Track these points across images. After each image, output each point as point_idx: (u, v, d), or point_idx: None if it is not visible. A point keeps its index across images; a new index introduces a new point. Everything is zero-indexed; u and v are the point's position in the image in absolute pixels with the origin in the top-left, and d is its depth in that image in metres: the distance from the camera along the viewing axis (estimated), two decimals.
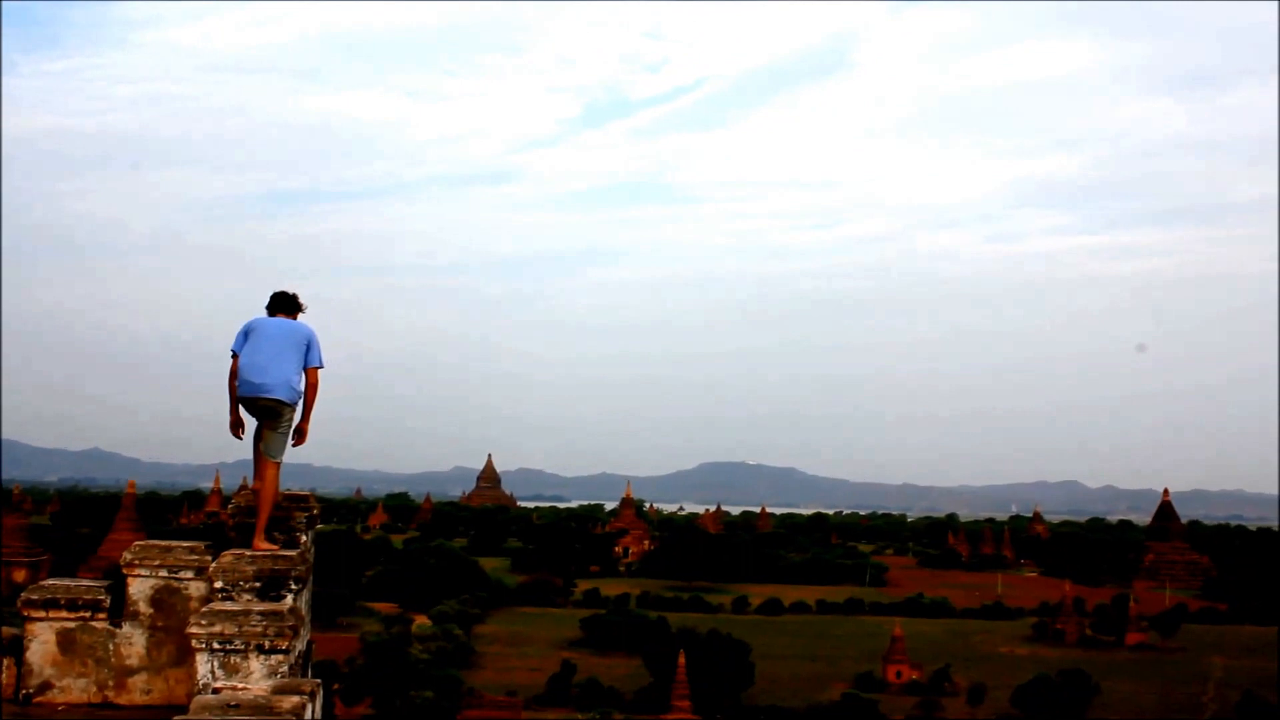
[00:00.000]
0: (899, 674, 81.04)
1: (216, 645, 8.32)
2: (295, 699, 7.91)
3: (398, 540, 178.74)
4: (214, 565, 9.00)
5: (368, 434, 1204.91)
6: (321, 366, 10.74)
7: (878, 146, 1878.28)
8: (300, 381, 10.60)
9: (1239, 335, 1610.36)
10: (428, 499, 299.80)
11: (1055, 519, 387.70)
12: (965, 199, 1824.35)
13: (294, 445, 10.80)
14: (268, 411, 10.44)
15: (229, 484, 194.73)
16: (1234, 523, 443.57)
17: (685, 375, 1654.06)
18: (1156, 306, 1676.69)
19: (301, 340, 10.67)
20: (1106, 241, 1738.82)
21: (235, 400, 10.57)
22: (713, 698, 65.79)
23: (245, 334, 10.72)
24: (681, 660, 57.66)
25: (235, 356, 10.66)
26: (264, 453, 10.45)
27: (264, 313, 10.94)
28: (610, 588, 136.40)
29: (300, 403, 10.64)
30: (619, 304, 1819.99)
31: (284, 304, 11.03)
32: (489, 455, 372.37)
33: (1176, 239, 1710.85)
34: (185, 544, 9.54)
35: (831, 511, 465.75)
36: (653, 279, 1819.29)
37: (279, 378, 10.42)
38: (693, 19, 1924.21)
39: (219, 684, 8.26)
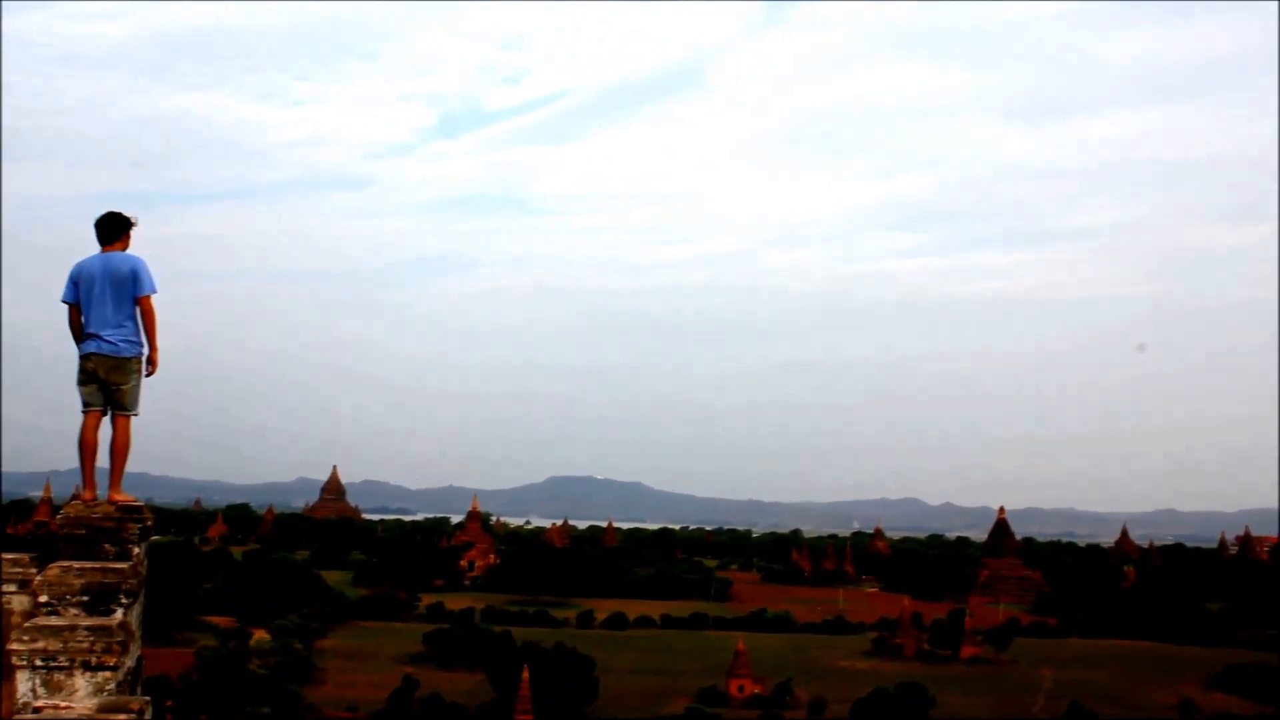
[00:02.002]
0: (741, 688, 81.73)
1: (39, 662, 7.97)
2: (122, 717, 7.62)
3: (237, 552, 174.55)
4: (39, 578, 8.63)
5: (208, 443, 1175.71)
6: (154, 292, 10.44)
7: (732, 164, 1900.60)
8: (135, 328, 10.34)
9: (1071, 357, 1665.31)
10: (270, 510, 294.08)
11: (896, 535, 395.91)
12: (817, 218, 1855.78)
13: (148, 375, 10.53)
14: (112, 369, 10.17)
15: (60, 493, 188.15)
16: (1065, 539, 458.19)
17: (535, 388, 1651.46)
18: (999, 327, 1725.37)
19: (126, 276, 10.33)
20: (952, 263, 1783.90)
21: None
22: (556, 712, 65.61)
23: (73, 282, 10.41)
24: (525, 675, 57.34)
25: (70, 306, 10.34)
26: (118, 406, 10.21)
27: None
28: (455, 602, 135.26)
29: (143, 346, 10.39)
30: (470, 315, 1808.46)
31: (110, 231, 10.65)
32: (334, 466, 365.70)
33: (1018, 262, 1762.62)
34: (9, 555, 9.14)
35: (677, 526, 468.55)
36: (504, 291, 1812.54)
37: (112, 330, 10.17)
38: (552, 32, 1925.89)
39: (40, 703, 7.92)
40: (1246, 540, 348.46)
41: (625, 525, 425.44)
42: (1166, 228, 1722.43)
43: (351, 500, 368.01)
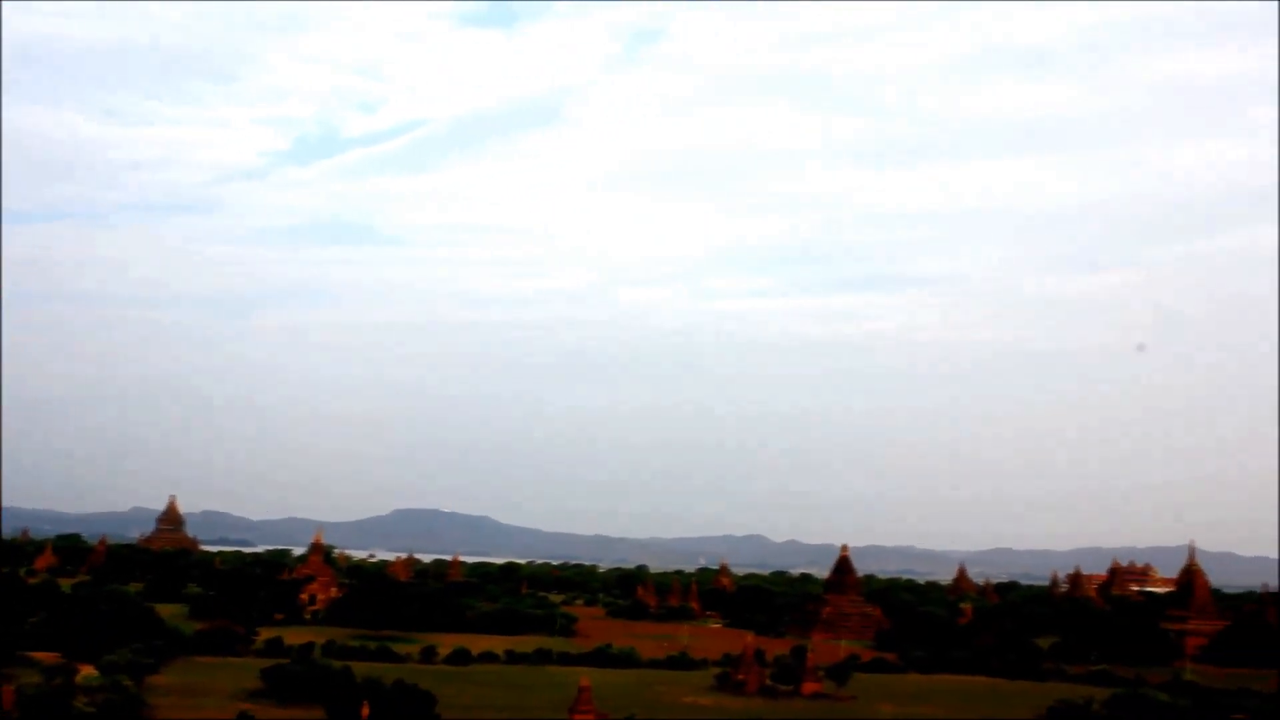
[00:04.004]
0: None
1: None
2: None
3: (66, 585, 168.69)
4: None
5: (38, 471, 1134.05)
6: None
7: (588, 200, 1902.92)
8: None
9: (918, 399, 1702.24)
10: (102, 541, 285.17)
11: (741, 572, 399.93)
12: (671, 257, 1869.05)
13: None
14: None
15: None
16: (905, 576, 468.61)
17: (381, 420, 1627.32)
18: (849, 369, 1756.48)
19: None
20: (804, 305, 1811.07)
21: None
22: None
23: None
24: (365, 711, 56.33)
25: None
26: None
27: None
28: (295, 636, 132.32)
29: None
30: (317, 345, 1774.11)
31: None
32: (171, 496, 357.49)
33: (869, 304, 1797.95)
34: None
35: (524, 561, 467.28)
36: (354, 321, 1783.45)
37: None
38: (410, 61, 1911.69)
39: None
40: (1076, 579, 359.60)
41: (471, 559, 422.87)
42: (1013, 276, 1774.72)
43: (190, 531, 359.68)
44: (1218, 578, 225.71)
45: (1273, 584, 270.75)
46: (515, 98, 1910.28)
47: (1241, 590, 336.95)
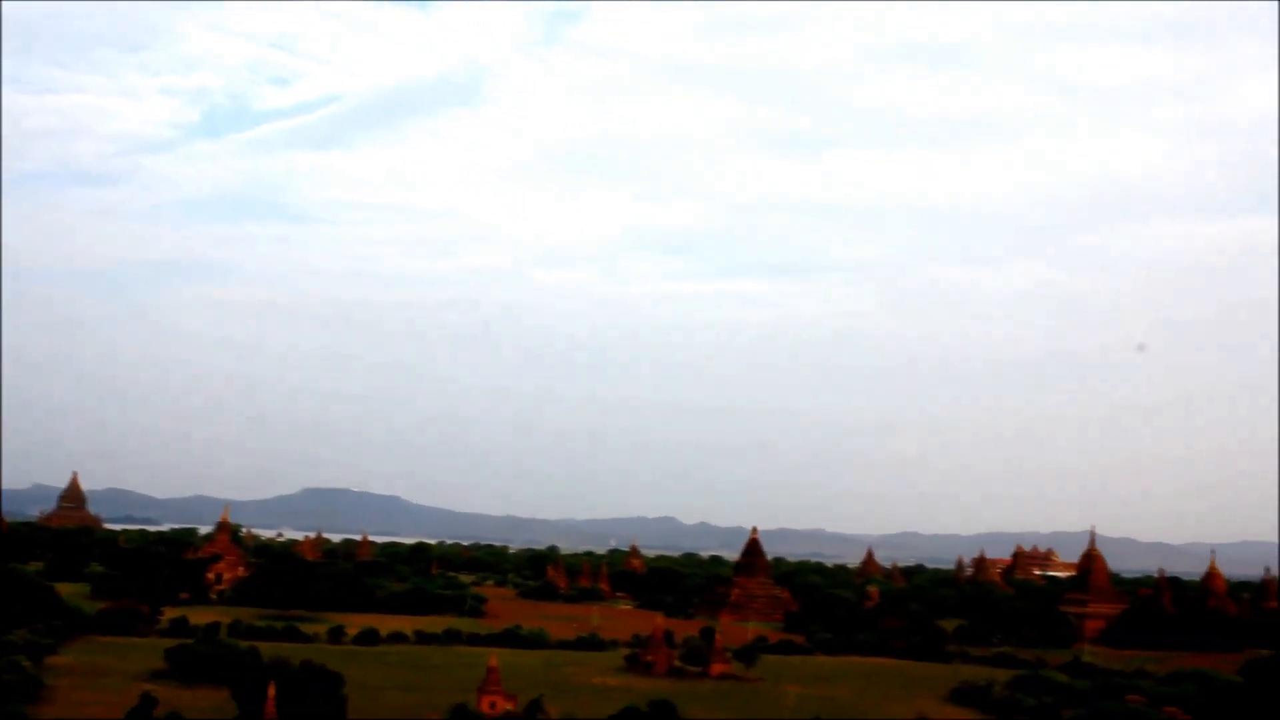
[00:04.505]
0: (493, 705, 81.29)
1: None
2: None
3: None
4: None
5: None
6: None
7: (504, 181, 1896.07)
8: None
9: (824, 384, 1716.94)
10: (0, 519, 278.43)
11: (651, 554, 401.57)
12: (585, 239, 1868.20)
13: None
14: None
15: None
16: (814, 560, 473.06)
17: (291, 399, 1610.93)
18: (759, 354, 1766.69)
19: None
20: (716, 289, 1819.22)
21: None
22: None
23: None
24: (271, 692, 55.81)
25: None
26: None
27: None
28: (200, 616, 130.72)
29: None
30: (225, 321, 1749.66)
31: None
32: (74, 473, 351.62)
33: (782, 291, 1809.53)
34: None
35: (434, 541, 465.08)
36: (264, 298, 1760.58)
37: None
38: (326, 36, 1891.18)
39: None
40: (981, 563, 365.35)
41: (381, 539, 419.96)
42: (920, 265, 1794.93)
43: (92, 509, 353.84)
44: (1116, 562, 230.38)
45: (1168, 569, 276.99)
46: (431, 76, 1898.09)
47: (1139, 575, 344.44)
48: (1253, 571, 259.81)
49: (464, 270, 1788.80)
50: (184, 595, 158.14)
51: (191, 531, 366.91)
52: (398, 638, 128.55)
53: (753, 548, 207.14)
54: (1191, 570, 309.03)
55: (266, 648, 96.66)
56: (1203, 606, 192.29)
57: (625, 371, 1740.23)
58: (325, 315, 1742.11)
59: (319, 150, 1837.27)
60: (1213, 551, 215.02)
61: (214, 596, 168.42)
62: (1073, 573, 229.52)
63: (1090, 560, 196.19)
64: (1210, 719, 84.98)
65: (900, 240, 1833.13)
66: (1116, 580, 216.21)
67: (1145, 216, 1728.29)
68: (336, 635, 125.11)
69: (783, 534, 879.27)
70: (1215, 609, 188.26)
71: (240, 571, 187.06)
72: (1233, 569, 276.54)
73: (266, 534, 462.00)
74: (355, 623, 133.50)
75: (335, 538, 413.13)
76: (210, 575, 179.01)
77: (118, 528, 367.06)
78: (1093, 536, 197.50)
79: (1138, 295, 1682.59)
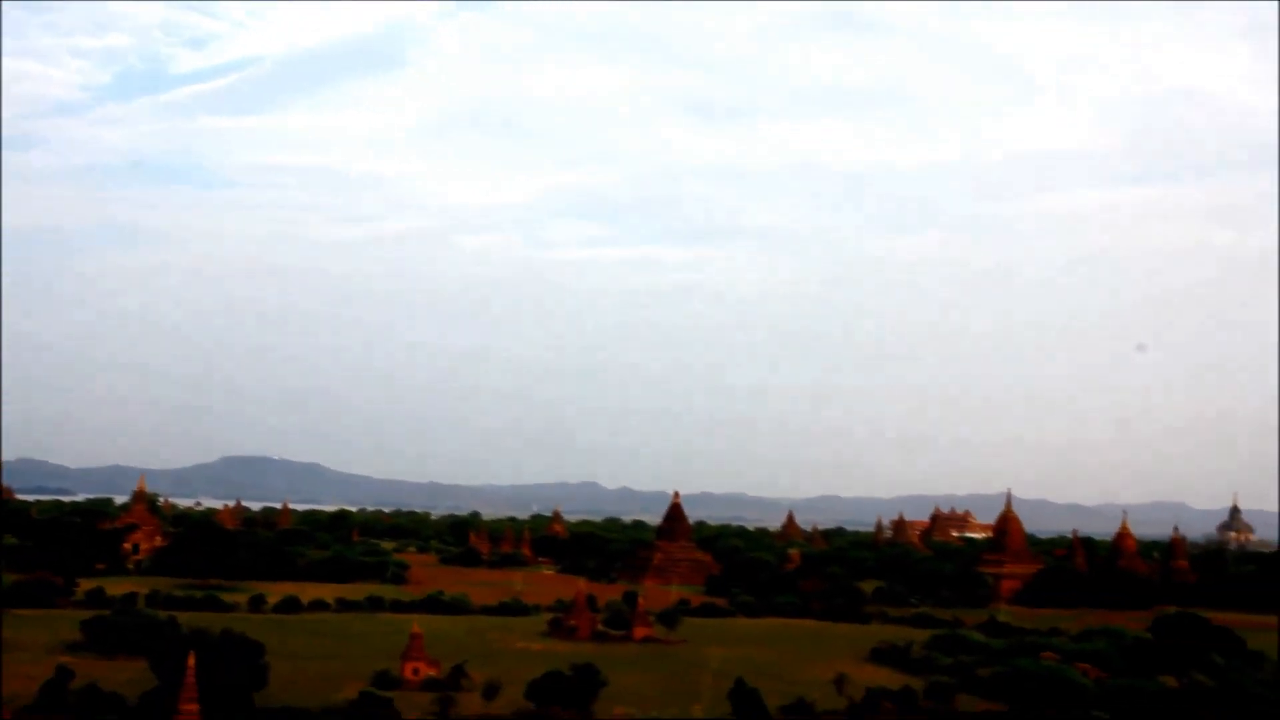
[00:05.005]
0: (416, 671, 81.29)
1: None
2: None
3: None
4: None
5: None
6: None
7: (423, 146, 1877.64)
8: None
9: (745, 350, 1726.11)
10: None
11: (574, 519, 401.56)
12: (506, 204, 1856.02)
13: None
14: None
15: None
16: (735, 523, 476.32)
17: (207, 365, 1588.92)
18: (679, 319, 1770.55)
19: None
20: (636, 254, 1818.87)
21: None
22: (223, 700, 63.62)
23: None
24: (191, 662, 55.30)
25: None
26: None
27: None
28: (117, 587, 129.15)
29: None
30: (141, 287, 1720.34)
31: None
32: None
33: (700, 257, 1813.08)
34: None
35: (355, 509, 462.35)
36: (180, 264, 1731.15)
37: None
38: None
39: None
40: (899, 525, 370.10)
41: (301, 507, 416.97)
42: (838, 232, 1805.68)
43: (4, 480, 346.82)
44: (1032, 524, 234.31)
45: (1082, 529, 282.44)
46: (350, 39, 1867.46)
47: (1054, 535, 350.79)
48: (1163, 532, 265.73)
49: (385, 235, 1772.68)
50: (100, 566, 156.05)
51: (107, 502, 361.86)
52: (319, 606, 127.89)
53: (674, 512, 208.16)
54: (1104, 531, 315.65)
55: (186, 617, 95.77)
56: (1114, 566, 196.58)
57: (547, 337, 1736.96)
58: (243, 282, 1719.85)
59: (236, 114, 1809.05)
60: (1124, 513, 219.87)
61: (131, 567, 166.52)
62: (989, 534, 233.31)
63: (1006, 522, 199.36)
64: (1121, 674, 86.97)
65: (819, 208, 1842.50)
66: (1032, 541, 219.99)
67: (1060, 186, 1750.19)
68: (257, 604, 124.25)
69: (704, 498, 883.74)
70: (1126, 568, 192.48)
71: (158, 541, 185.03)
72: (1143, 529, 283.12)
73: (184, 503, 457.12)
74: (276, 591, 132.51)
75: (255, 506, 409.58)
76: (127, 545, 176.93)
77: (31, 498, 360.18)
78: (1009, 499, 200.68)
79: (1051, 264, 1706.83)
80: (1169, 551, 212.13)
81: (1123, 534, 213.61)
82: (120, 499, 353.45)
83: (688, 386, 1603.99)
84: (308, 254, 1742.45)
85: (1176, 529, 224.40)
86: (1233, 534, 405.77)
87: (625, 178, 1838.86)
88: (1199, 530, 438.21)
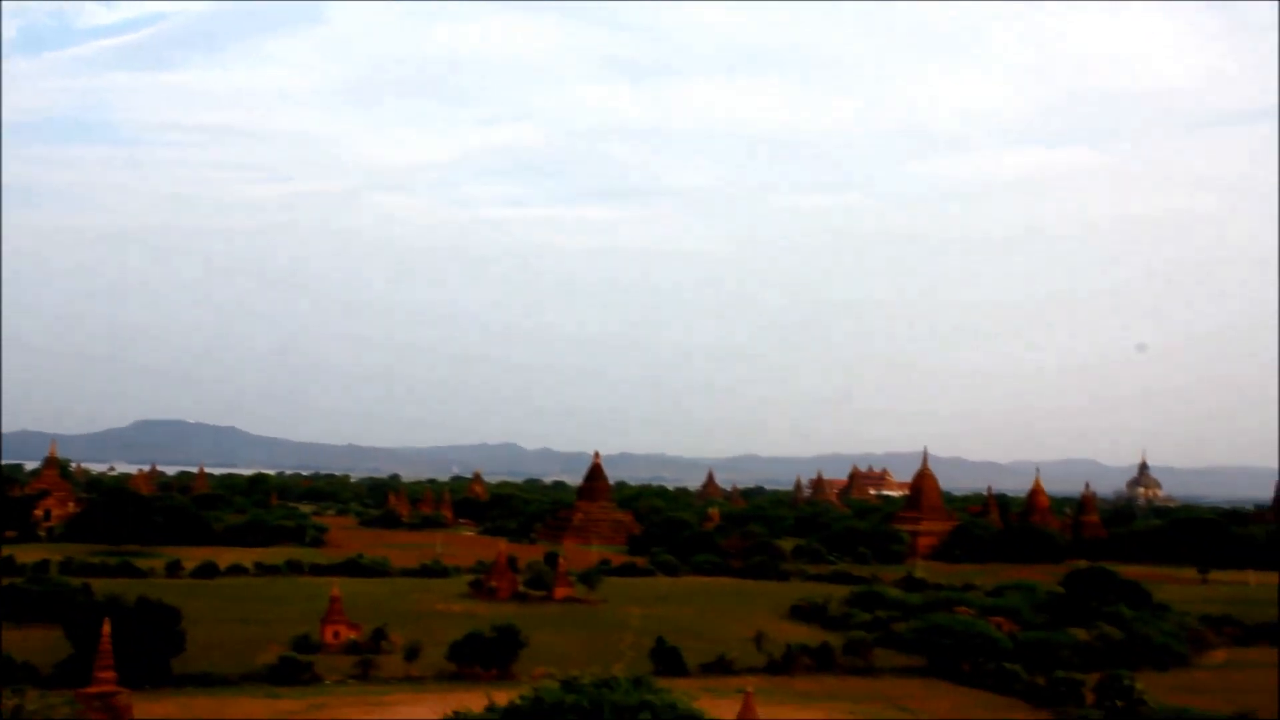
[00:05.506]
0: (336, 634, 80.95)
1: None
2: None
3: None
4: None
5: None
6: None
7: (338, 104, 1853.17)
8: None
9: (665, 310, 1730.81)
10: None
11: (494, 480, 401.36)
12: (424, 163, 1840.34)
13: None
14: None
15: None
16: (655, 483, 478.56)
17: (120, 328, 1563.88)
18: (600, 278, 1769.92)
19: None
20: (556, 213, 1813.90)
21: None
22: (140, 667, 62.98)
23: None
24: (106, 629, 54.63)
25: None
26: None
27: None
28: (29, 554, 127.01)
29: None
30: (50, 248, 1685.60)
31: None
32: None
33: (621, 217, 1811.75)
34: None
35: (273, 472, 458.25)
36: (90, 224, 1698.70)
37: None
38: None
39: None
40: (818, 484, 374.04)
41: (217, 471, 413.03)
42: (755, 192, 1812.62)
43: None
44: (947, 481, 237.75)
45: (996, 487, 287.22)
46: None
47: (969, 493, 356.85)
48: (1075, 488, 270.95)
49: (300, 194, 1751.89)
50: (10, 534, 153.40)
51: (17, 468, 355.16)
52: (237, 570, 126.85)
53: (595, 472, 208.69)
54: (1018, 488, 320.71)
55: (100, 585, 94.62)
56: (1027, 522, 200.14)
57: (465, 298, 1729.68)
58: (155, 242, 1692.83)
59: (147, 70, 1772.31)
60: (1037, 470, 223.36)
61: (43, 534, 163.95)
62: (906, 492, 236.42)
63: (922, 480, 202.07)
64: (1034, 627, 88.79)
65: (739, 168, 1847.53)
66: (947, 499, 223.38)
67: (977, 148, 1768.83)
68: (173, 569, 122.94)
69: (624, 458, 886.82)
70: (1039, 525, 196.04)
71: (70, 508, 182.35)
72: (1056, 486, 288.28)
73: (97, 468, 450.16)
74: (193, 557, 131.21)
75: (170, 470, 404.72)
76: (38, 512, 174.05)
77: None
78: (925, 457, 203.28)
79: (966, 225, 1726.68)
80: (1080, 508, 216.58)
81: (1035, 491, 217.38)
82: (31, 465, 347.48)
83: (608, 347, 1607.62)
84: (222, 214, 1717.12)
85: (1087, 485, 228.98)
86: (1141, 490, 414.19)
87: (546, 137, 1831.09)
88: (1109, 487, 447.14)
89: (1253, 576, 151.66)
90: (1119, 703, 58.60)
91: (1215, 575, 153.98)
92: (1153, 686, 65.38)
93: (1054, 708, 64.53)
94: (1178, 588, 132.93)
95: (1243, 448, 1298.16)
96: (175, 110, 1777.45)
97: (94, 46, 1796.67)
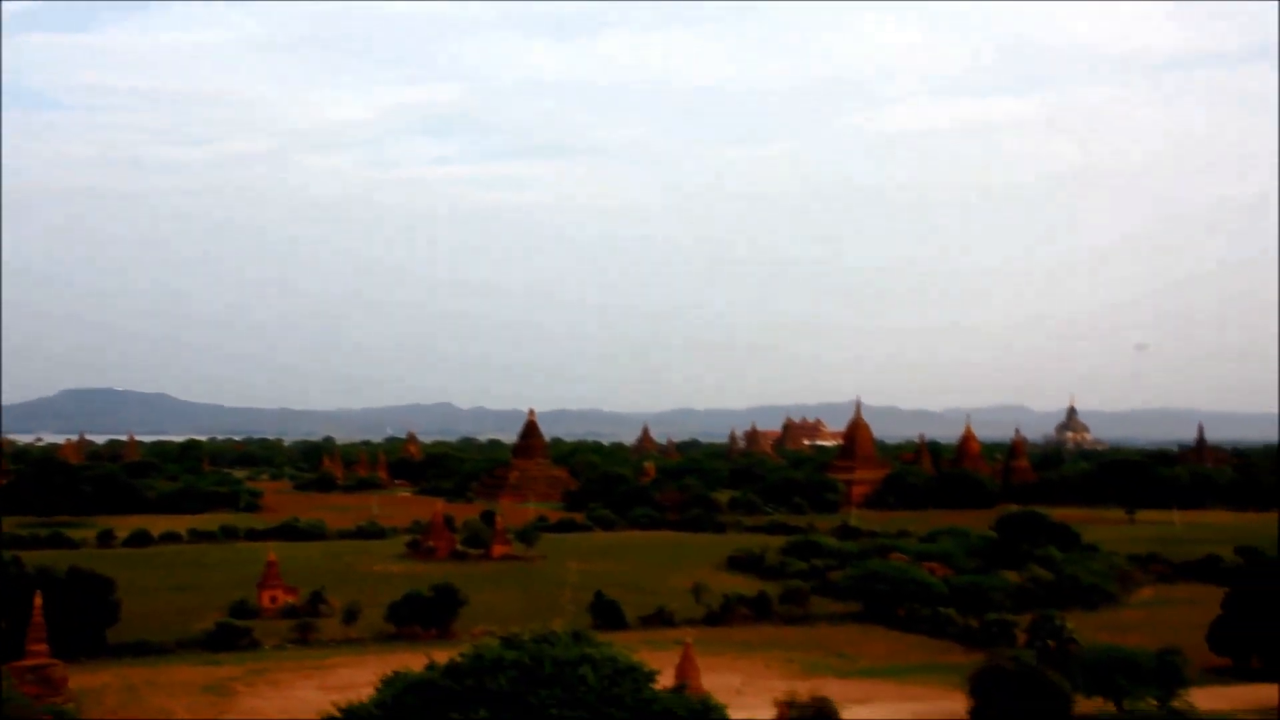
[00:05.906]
0: (274, 599, 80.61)
1: None
2: None
3: None
4: None
5: None
6: None
7: (259, 63, 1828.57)
8: None
9: (591, 264, 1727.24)
10: None
11: (429, 440, 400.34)
12: (349, 121, 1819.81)
13: None
14: None
15: None
16: (591, 439, 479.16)
17: (43, 295, 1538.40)
18: (525, 236, 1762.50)
19: None
20: (481, 171, 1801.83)
21: None
22: (74, 639, 62.40)
23: None
24: (38, 602, 54.03)
25: None
26: None
27: None
28: None
29: None
30: None
31: None
32: None
33: (549, 172, 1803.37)
34: None
35: (205, 438, 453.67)
36: (10, 187, 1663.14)
37: None
38: None
39: None
40: (753, 436, 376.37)
41: (148, 439, 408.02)
42: (683, 147, 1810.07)
43: None
44: (881, 430, 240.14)
45: (929, 435, 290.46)
46: None
47: (902, 441, 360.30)
48: (1005, 434, 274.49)
49: (225, 156, 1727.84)
50: None
51: None
52: (171, 538, 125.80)
53: (530, 430, 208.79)
54: (950, 435, 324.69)
55: (31, 557, 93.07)
56: (959, 469, 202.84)
57: (394, 257, 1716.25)
58: (78, 206, 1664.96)
59: (66, 32, 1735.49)
60: (968, 417, 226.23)
61: None
62: (840, 442, 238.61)
63: (856, 429, 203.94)
64: (967, 571, 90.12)
65: (665, 122, 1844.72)
66: (881, 447, 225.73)
67: (906, 98, 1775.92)
68: (106, 539, 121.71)
69: (559, 415, 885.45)
70: (970, 470, 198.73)
71: None
72: (987, 433, 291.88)
73: (24, 439, 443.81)
74: (125, 525, 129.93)
75: (99, 439, 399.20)
76: None
77: None
78: (858, 406, 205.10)
79: (896, 175, 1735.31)
80: (1010, 453, 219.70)
81: (967, 438, 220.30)
82: None
83: (540, 303, 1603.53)
84: (145, 177, 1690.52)
85: (1018, 431, 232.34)
86: (1070, 434, 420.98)
87: (469, 94, 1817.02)
88: (1039, 432, 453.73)
89: (1178, 516, 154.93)
90: (1050, 643, 59.60)
91: (1142, 515, 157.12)
92: (1083, 626, 66.65)
93: (987, 649, 65.66)
94: (1106, 529, 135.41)
95: (1168, 390, 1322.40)
96: (94, 72, 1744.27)
97: (11, 8, 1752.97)
